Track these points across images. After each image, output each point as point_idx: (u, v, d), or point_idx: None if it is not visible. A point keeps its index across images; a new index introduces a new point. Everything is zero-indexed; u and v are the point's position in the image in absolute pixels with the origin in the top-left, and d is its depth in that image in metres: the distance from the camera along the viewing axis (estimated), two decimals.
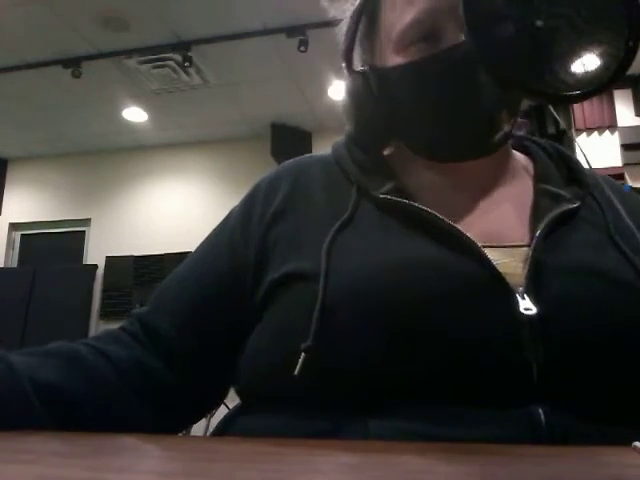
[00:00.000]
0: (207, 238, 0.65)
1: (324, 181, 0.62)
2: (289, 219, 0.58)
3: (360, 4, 0.63)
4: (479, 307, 0.47)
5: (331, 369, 0.48)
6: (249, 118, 5.12)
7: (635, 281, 0.50)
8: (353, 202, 0.57)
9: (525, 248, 0.52)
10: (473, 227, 0.55)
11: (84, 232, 5.69)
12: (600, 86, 0.47)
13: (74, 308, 5.13)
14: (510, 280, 0.48)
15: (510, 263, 0.51)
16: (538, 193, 0.58)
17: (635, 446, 0.35)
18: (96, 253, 5.50)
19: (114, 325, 0.62)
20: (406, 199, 0.55)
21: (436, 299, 0.47)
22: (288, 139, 5.16)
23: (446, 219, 0.52)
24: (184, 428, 0.63)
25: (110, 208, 5.64)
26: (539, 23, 0.47)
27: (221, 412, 0.62)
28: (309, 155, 0.68)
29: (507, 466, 0.34)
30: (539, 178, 0.60)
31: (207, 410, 0.64)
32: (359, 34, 0.65)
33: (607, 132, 4.39)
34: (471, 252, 0.50)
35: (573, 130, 4.40)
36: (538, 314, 0.46)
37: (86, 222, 5.69)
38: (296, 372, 0.47)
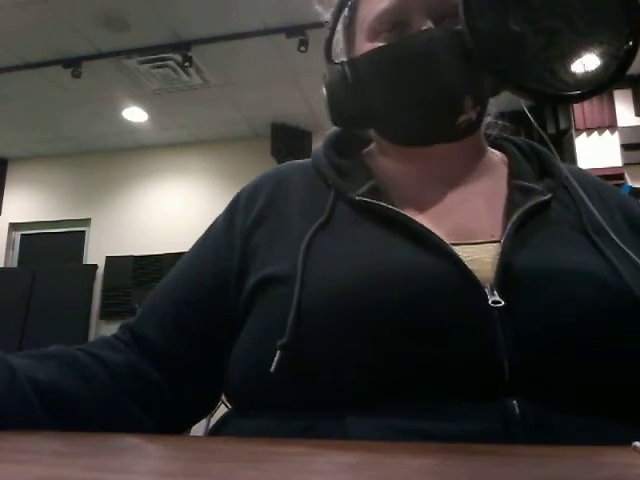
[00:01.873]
0: (192, 247, 0.66)
1: (303, 187, 0.63)
2: (268, 224, 0.60)
3: (340, 3, 0.66)
4: (450, 305, 0.48)
5: (307, 366, 0.49)
6: (249, 118, 5.12)
7: (604, 272, 0.51)
8: (330, 205, 0.58)
9: (496, 244, 0.53)
10: (445, 224, 0.56)
11: (84, 232, 5.68)
12: (600, 86, 0.47)
13: (74, 308, 5.13)
14: (480, 276, 0.49)
15: (481, 259, 0.52)
16: (512, 189, 0.59)
17: (635, 446, 0.35)
18: (96, 253, 5.50)
19: (114, 325, 0.63)
20: (381, 200, 0.56)
21: (409, 299, 0.48)
22: (288, 139, 5.16)
23: (417, 220, 0.53)
24: (182, 430, 0.63)
25: (110, 208, 5.63)
26: (537, 25, 0.47)
27: (221, 412, 0.62)
28: (290, 162, 0.70)
29: (507, 466, 0.34)
30: (513, 174, 0.61)
31: (203, 413, 0.65)
32: (340, 29, 0.67)
33: (607, 132, 4.39)
34: (441, 251, 0.51)
35: (573, 130, 4.39)
36: (506, 307, 0.47)
37: (86, 222, 5.69)
38: (272, 369, 0.48)
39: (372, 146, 0.69)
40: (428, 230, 0.52)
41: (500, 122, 0.68)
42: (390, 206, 0.55)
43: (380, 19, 0.61)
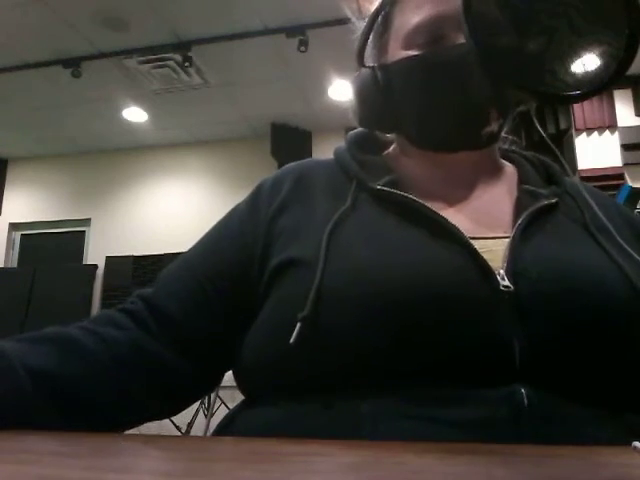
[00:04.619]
0: (214, 228, 0.67)
1: (326, 180, 0.65)
2: (292, 212, 0.62)
3: (378, 6, 0.69)
4: (465, 291, 0.50)
5: (326, 342, 0.51)
6: (249, 118, 5.12)
7: (607, 266, 0.54)
8: (352, 194, 0.60)
9: (507, 239, 0.55)
10: (462, 218, 0.59)
11: (84, 232, 5.69)
12: (600, 86, 0.47)
13: (74, 308, 5.13)
14: (492, 265, 0.51)
15: (493, 252, 0.54)
16: (520, 192, 0.63)
17: (635, 446, 0.35)
18: (96, 253, 5.50)
19: None
20: (401, 191, 0.59)
21: (426, 286, 0.50)
22: (288, 139, 5.17)
23: (436, 210, 0.56)
24: (178, 411, 0.63)
25: (110, 208, 5.64)
26: (537, 25, 0.47)
27: (222, 412, 0.62)
28: (311, 159, 0.73)
29: (507, 466, 0.34)
30: (521, 181, 0.66)
31: (201, 393, 0.66)
32: (373, 34, 0.70)
33: (607, 132, 4.39)
34: (459, 241, 0.53)
35: (573, 130, 4.40)
36: (516, 292, 0.49)
37: (86, 222, 5.69)
38: (292, 340, 0.49)
39: (392, 148, 0.72)
40: (446, 220, 0.55)
41: (510, 137, 0.73)
42: (412, 196, 0.57)
43: (416, 31, 0.63)
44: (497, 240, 0.56)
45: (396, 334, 0.49)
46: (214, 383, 0.66)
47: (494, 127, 0.61)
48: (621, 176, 4.20)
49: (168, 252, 5.05)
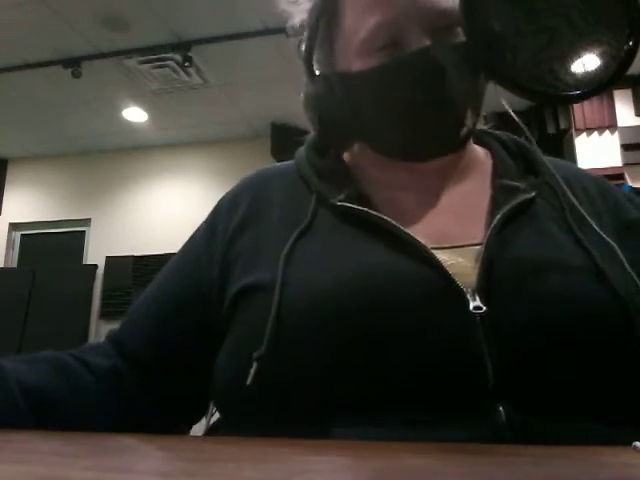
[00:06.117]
0: (176, 255, 0.66)
1: (285, 193, 0.62)
2: (250, 233, 0.59)
3: (317, 6, 0.63)
4: (431, 311, 0.47)
5: (286, 377, 0.48)
6: (249, 118, 5.12)
7: (589, 274, 0.50)
8: (311, 211, 0.57)
9: (479, 246, 0.52)
10: (427, 228, 0.56)
11: (84, 232, 5.68)
12: (600, 86, 0.47)
13: (74, 308, 5.12)
14: (461, 280, 0.48)
15: (462, 263, 0.51)
16: (495, 188, 0.58)
17: (635, 446, 0.35)
18: (96, 253, 5.50)
19: (114, 325, 0.63)
20: (363, 205, 0.56)
21: (389, 306, 0.47)
22: (288, 139, 5.16)
23: (398, 224, 0.53)
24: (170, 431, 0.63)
25: (110, 208, 5.63)
26: (538, 24, 0.47)
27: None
28: (271, 167, 0.69)
29: (507, 466, 0.34)
30: (496, 173, 0.61)
31: (190, 422, 0.65)
32: (318, 38, 0.64)
33: (607, 132, 4.39)
34: (421, 256, 0.50)
35: (573, 130, 4.39)
36: (488, 312, 0.46)
37: (86, 222, 5.68)
38: (248, 382, 0.48)
39: (355, 147, 0.67)
40: (408, 234, 0.52)
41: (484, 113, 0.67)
42: (371, 211, 0.54)
43: (375, 34, 0.57)
44: (467, 249, 0.53)
45: (360, 359, 0.46)
46: (198, 413, 0.64)
47: (469, 125, 0.58)
48: (621, 176, 4.20)
49: (168, 252, 5.04)
